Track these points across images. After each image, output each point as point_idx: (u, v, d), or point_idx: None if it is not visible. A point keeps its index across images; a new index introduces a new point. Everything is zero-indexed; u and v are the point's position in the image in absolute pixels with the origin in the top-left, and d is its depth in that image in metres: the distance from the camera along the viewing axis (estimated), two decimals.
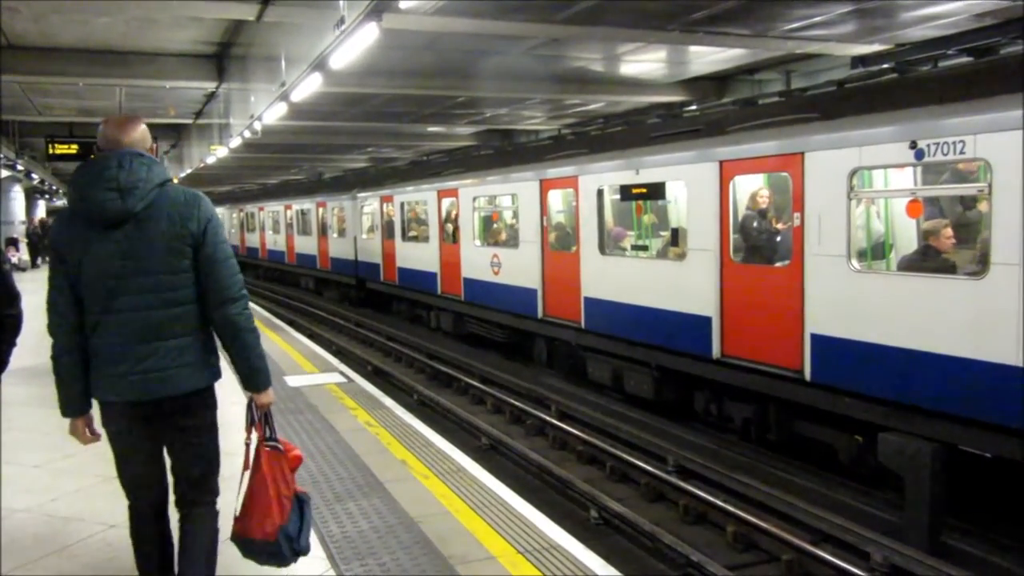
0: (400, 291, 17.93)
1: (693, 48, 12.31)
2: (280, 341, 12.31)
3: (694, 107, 13.31)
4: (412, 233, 17.25)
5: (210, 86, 14.26)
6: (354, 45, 7.58)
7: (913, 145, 6.08)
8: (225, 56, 13.32)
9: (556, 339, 11.67)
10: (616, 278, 9.93)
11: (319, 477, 5.65)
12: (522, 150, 15.34)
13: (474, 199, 13.82)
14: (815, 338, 7.00)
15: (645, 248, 10.56)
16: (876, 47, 10.93)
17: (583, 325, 10.53)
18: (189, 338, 3.19)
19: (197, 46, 12.84)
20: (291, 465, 3.46)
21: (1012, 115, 5.43)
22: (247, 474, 3.40)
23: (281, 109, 11.82)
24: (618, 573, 4.21)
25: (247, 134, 15.16)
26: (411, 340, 15.61)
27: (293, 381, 9.05)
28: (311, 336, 15.94)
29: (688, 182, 8.69)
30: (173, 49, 12.90)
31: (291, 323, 17.19)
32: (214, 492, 3.43)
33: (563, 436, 9.08)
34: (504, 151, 16.24)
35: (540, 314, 11.67)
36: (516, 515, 4.93)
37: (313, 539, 4.47)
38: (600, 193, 10.20)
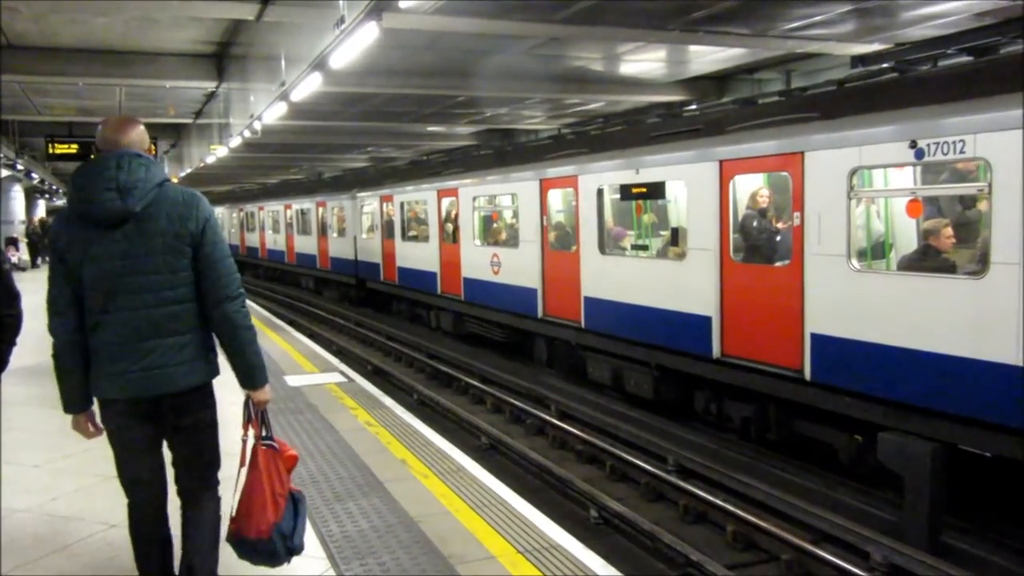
0: (400, 291, 17.92)
1: (693, 47, 12.31)
2: (280, 341, 12.31)
3: (694, 106, 13.30)
4: (412, 233, 17.24)
5: (210, 86, 14.27)
6: (354, 45, 7.58)
7: (913, 144, 6.08)
8: (225, 56, 13.32)
9: (556, 339, 11.67)
10: (616, 278, 9.93)
11: (319, 477, 5.65)
12: (522, 150, 15.34)
13: (474, 199, 13.82)
14: (815, 338, 7.00)
15: (645, 248, 10.55)
16: (876, 46, 10.93)
17: (583, 325, 10.53)
18: (188, 335, 3.24)
19: (197, 46, 12.85)
20: (287, 464, 3.49)
21: (1012, 114, 5.43)
22: (243, 471, 3.43)
23: (281, 109, 11.83)
24: (618, 573, 4.21)
25: (247, 134, 15.16)
26: (411, 340, 15.62)
27: (293, 381, 9.05)
28: (311, 336, 15.95)
29: (688, 182, 8.69)
30: (173, 49, 12.91)
31: (291, 323, 17.20)
32: (215, 482, 3.49)
33: (563, 436, 9.09)
34: (504, 151, 16.23)
35: (540, 314, 11.67)
36: (516, 515, 4.94)
37: (313, 539, 4.52)
38: (600, 193, 10.20)
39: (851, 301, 6.66)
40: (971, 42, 6.93)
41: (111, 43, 12.29)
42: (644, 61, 13.25)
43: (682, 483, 7.22)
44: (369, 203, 19.70)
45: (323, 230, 23.45)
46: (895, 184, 7.22)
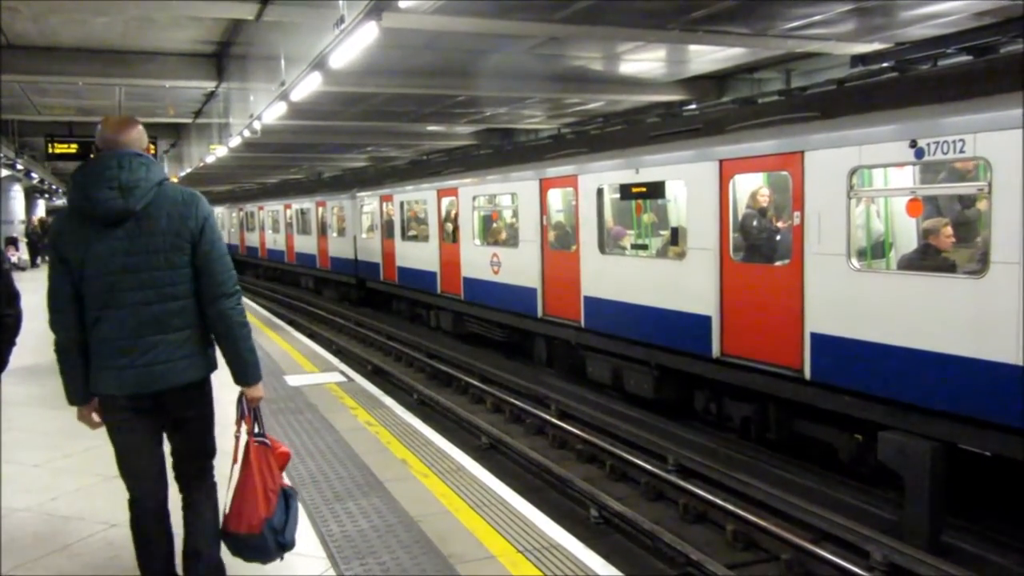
0: (400, 290, 17.92)
1: (693, 47, 12.31)
2: (280, 340, 12.31)
3: (694, 106, 13.30)
4: (412, 232, 17.24)
5: (209, 85, 14.27)
6: (354, 44, 7.58)
7: (913, 144, 6.07)
8: (224, 55, 13.32)
9: (556, 338, 11.67)
10: (616, 277, 9.93)
11: (319, 476, 5.65)
12: (522, 149, 15.33)
13: (474, 198, 13.82)
14: (815, 337, 7.00)
15: (645, 247, 10.56)
16: (876, 46, 10.94)
17: (583, 324, 10.53)
18: (188, 332, 3.31)
19: (196, 45, 12.85)
20: (279, 461, 3.54)
21: (1012, 114, 5.43)
22: (236, 467, 3.48)
23: (280, 108, 11.82)
24: (618, 572, 4.22)
25: (246, 133, 15.15)
26: (411, 339, 15.61)
27: (293, 380, 9.05)
28: (311, 335, 15.95)
29: (688, 181, 8.69)
30: (172, 48, 12.91)
31: (291, 323, 17.19)
32: (212, 469, 3.59)
33: (563, 435, 9.09)
34: (504, 150, 16.23)
35: (540, 313, 11.67)
36: (516, 514, 4.93)
37: (313, 538, 4.52)
38: (600, 192, 10.19)
39: (851, 300, 6.66)
40: (971, 41, 6.93)
41: (111, 43, 12.29)
42: (644, 61, 13.25)
43: (682, 482, 7.23)
44: (369, 203, 19.70)
45: (323, 230, 23.45)
46: (895, 183, 7.22)
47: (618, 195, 9.91)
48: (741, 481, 7.16)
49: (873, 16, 10.18)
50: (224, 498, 3.55)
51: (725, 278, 8.11)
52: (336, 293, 23.24)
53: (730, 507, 6.58)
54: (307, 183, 32.17)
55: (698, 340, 8.36)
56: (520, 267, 12.14)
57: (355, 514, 4.92)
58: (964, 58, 7.01)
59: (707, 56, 12.96)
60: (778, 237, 8.00)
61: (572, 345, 11.07)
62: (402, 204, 17.46)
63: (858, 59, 8.50)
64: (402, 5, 7.12)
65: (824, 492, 7.14)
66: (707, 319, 8.24)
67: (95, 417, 3.38)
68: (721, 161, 8.10)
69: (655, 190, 9.32)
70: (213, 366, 3.47)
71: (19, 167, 24.52)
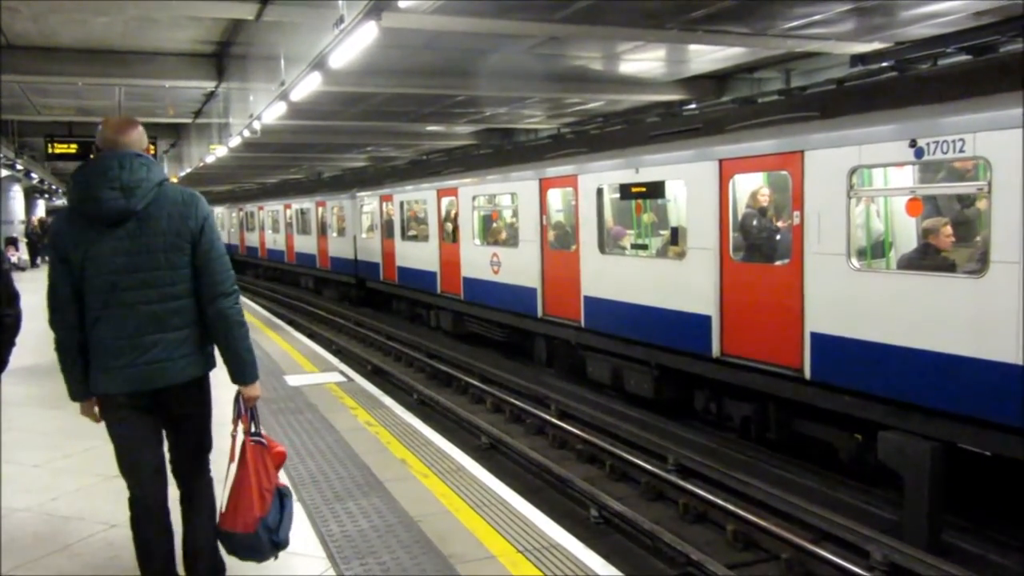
0: (400, 290, 17.92)
1: (692, 47, 12.30)
2: (280, 340, 12.31)
3: (693, 106, 13.30)
4: (412, 232, 17.25)
5: (209, 85, 14.26)
6: (353, 44, 7.58)
7: (913, 143, 6.08)
8: (224, 55, 13.31)
9: (556, 338, 11.67)
10: (616, 277, 9.93)
11: (319, 476, 5.65)
12: (521, 149, 15.33)
13: (473, 198, 13.82)
14: (815, 337, 7.00)
15: (645, 247, 10.56)
16: (875, 45, 10.93)
17: (583, 324, 10.53)
18: (187, 330, 3.36)
19: (196, 45, 12.84)
20: (275, 461, 3.56)
21: (1011, 113, 5.43)
22: (232, 466, 3.51)
23: (280, 108, 11.82)
24: (618, 572, 4.21)
25: (246, 133, 15.15)
26: (411, 339, 15.61)
27: (293, 380, 9.05)
28: (311, 335, 15.95)
29: (687, 181, 8.69)
30: (172, 48, 12.90)
31: (291, 322, 17.19)
32: (209, 466, 3.66)
33: (563, 435, 9.09)
34: (503, 150, 16.23)
35: (540, 313, 11.67)
36: (516, 514, 4.93)
37: (313, 538, 4.52)
38: (600, 192, 10.20)
39: (851, 300, 6.66)
40: (970, 41, 6.93)
41: (110, 43, 12.28)
42: (643, 60, 13.24)
43: (682, 482, 7.23)
44: (369, 203, 19.70)
45: (323, 230, 23.45)
46: (895, 183, 7.22)
47: (618, 195, 9.91)
48: (741, 481, 7.16)
49: (873, 16, 10.18)
50: (220, 497, 3.58)
51: (725, 278, 8.11)
52: (336, 293, 23.24)
53: (730, 507, 6.58)
54: (307, 183, 32.18)
55: (698, 340, 8.36)
56: (520, 267, 12.14)
57: (355, 514, 4.92)
58: (964, 57, 7.01)
59: (707, 56, 12.96)
60: (778, 237, 8.00)
61: (572, 345, 11.07)
62: (402, 204, 17.46)
63: (858, 59, 8.51)
64: (402, 5, 7.11)
65: (824, 492, 7.15)
66: (707, 319, 8.24)
67: (97, 411, 3.42)
68: (721, 161, 8.10)
69: (655, 190, 9.32)
70: (212, 364, 3.52)
71: (19, 167, 24.52)
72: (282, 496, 3.58)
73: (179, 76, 13.51)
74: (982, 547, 6.06)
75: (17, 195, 33.54)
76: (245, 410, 3.51)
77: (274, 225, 29.24)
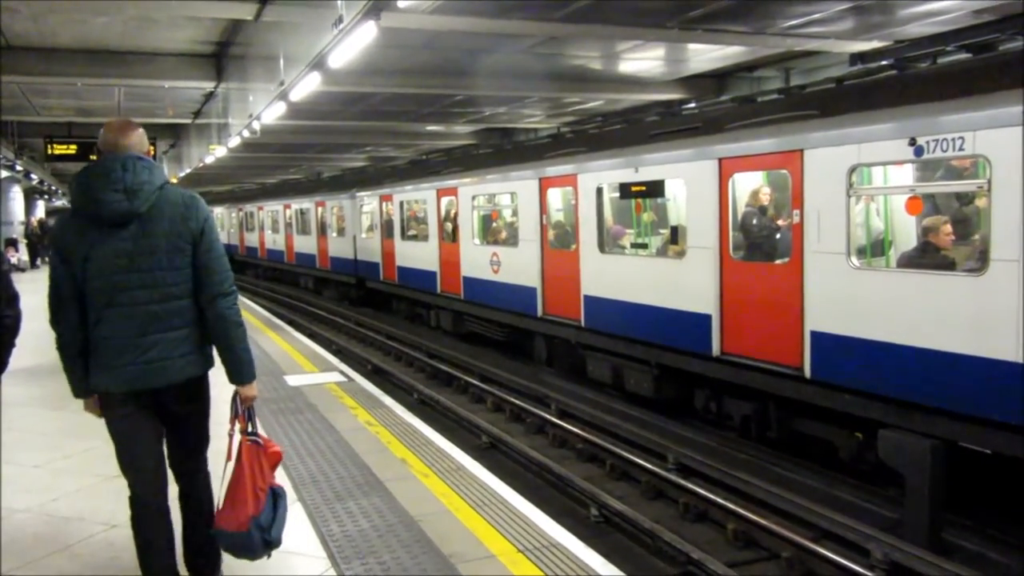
0: (400, 290, 17.92)
1: (692, 46, 12.30)
2: (280, 340, 12.31)
3: (693, 105, 13.30)
4: (411, 232, 17.25)
5: (208, 86, 14.26)
6: (352, 44, 7.58)
7: (912, 142, 6.07)
8: (223, 56, 13.31)
9: (556, 337, 11.67)
10: (616, 276, 9.93)
11: (319, 476, 5.65)
12: (521, 148, 15.34)
13: (473, 198, 13.82)
14: (815, 335, 7.00)
15: (644, 246, 10.56)
16: (875, 44, 10.91)
17: (583, 323, 10.53)
18: (186, 330, 3.42)
19: (195, 46, 12.84)
20: (270, 461, 3.60)
21: (1011, 111, 5.43)
22: (229, 465, 3.56)
23: (280, 108, 11.82)
24: (618, 571, 4.22)
25: (246, 134, 15.15)
26: (411, 339, 15.61)
27: (293, 380, 9.04)
28: (311, 335, 15.95)
29: (687, 180, 8.69)
30: (171, 49, 12.90)
31: (291, 322, 17.19)
32: (206, 462, 3.74)
33: (563, 434, 9.09)
34: (503, 150, 16.23)
35: (540, 312, 11.67)
36: (516, 513, 4.93)
37: (313, 538, 4.53)
38: (599, 191, 10.19)
39: (851, 299, 6.66)
40: (970, 39, 6.93)
41: (110, 43, 12.28)
42: (643, 59, 13.24)
43: (682, 481, 7.23)
44: (368, 202, 19.70)
45: (322, 230, 23.45)
46: (894, 181, 7.22)
47: (617, 194, 9.91)
48: (741, 480, 7.16)
49: (872, 14, 10.18)
50: (217, 495, 3.62)
51: (725, 277, 8.11)
52: (336, 293, 23.24)
53: (730, 506, 6.58)
54: (306, 183, 32.18)
55: (698, 339, 8.36)
56: (520, 266, 12.14)
57: (355, 514, 4.92)
58: (963, 56, 7.01)
59: (706, 55, 12.95)
60: (777, 235, 8.00)
61: (572, 344, 11.07)
62: (402, 204, 17.46)
63: (857, 57, 8.48)
64: (401, 5, 7.11)
65: (824, 490, 7.15)
66: (707, 318, 8.24)
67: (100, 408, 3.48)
68: (720, 160, 8.09)
69: (654, 189, 9.32)
70: (210, 363, 3.58)
71: (18, 168, 24.52)
72: (276, 496, 3.61)
73: (178, 76, 13.52)
74: (982, 545, 6.06)
75: (17, 196, 33.54)
76: (242, 410, 3.56)
77: (274, 225, 29.24)
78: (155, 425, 3.49)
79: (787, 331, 7.27)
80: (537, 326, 11.98)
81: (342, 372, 9.64)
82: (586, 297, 10.45)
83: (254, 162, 29.63)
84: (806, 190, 7.05)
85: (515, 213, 12.50)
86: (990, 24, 8.51)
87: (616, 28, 10.65)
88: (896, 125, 6.24)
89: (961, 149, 5.76)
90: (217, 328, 3.44)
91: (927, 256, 6.48)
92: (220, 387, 3.68)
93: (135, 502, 3.49)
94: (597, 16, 9.80)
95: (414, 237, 16.95)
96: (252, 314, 15.77)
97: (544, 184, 11.52)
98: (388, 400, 8.14)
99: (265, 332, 13.19)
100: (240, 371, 3.51)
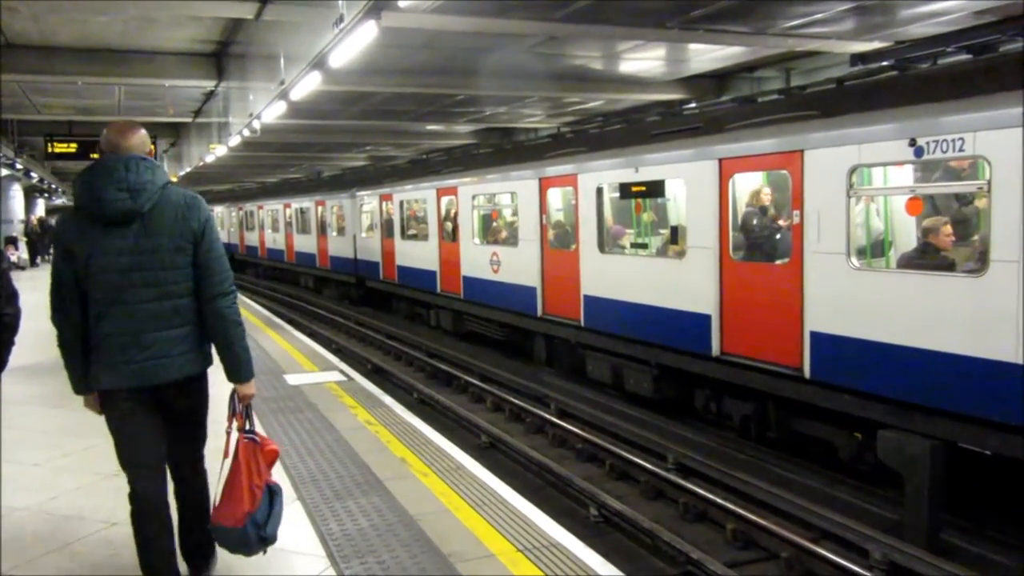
0: (399, 289, 17.92)
1: (692, 46, 12.30)
2: (280, 339, 12.31)
3: (693, 105, 13.30)
4: (411, 231, 17.25)
5: (209, 85, 14.27)
6: (353, 43, 7.58)
7: (912, 142, 6.07)
8: (224, 55, 13.31)
9: (556, 337, 11.67)
10: (615, 276, 9.93)
11: (318, 475, 5.65)
12: (521, 148, 15.33)
13: (473, 197, 13.82)
14: (814, 336, 7.00)
15: (644, 246, 10.56)
16: (875, 44, 10.93)
17: (583, 323, 10.53)
18: (187, 328, 3.47)
19: (196, 45, 12.84)
20: (267, 458, 3.65)
21: (1012, 112, 5.43)
22: (226, 462, 3.60)
23: (280, 108, 11.82)
24: (618, 571, 4.22)
25: (246, 133, 15.16)
26: (411, 338, 15.61)
27: (293, 379, 9.04)
28: (311, 335, 15.94)
29: (687, 180, 8.69)
30: (172, 48, 12.90)
31: (291, 322, 17.18)
32: (203, 458, 3.81)
33: (563, 434, 9.09)
34: (503, 149, 16.23)
35: (539, 312, 11.67)
36: (516, 513, 4.93)
37: (313, 537, 4.53)
38: (599, 191, 10.20)
39: (850, 299, 6.66)
40: (970, 40, 6.92)
41: (110, 42, 12.28)
42: (643, 59, 13.25)
43: (682, 481, 7.23)
44: (368, 202, 19.70)
45: (322, 229, 23.45)
46: (894, 182, 7.22)
47: (618, 194, 9.91)
48: (741, 480, 7.17)
49: (873, 15, 10.18)
50: (214, 491, 3.66)
51: (725, 277, 8.11)
52: (336, 292, 23.24)
53: (730, 506, 6.58)
54: (307, 182, 32.17)
55: (698, 339, 8.36)
56: (520, 266, 12.15)
57: (355, 513, 4.92)
58: (964, 57, 7.01)
59: (706, 55, 12.96)
60: (777, 236, 8.00)
61: (572, 344, 11.07)
62: (402, 203, 17.46)
63: (857, 58, 8.48)
64: (401, 4, 7.11)
65: (824, 491, 7.15)
66: (707, 318, 8.24)
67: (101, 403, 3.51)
68: (720, 160, 8.09)
69: (655, 189, 9.32)
70: (209, 361, 3.64)
71: (19, 166, 24.51)
72: (272, 493, 3.66)
73: (179, 75, 13.52)
74: (982, 546, 6.06)
75: (17, 194, 33.55)
76: (240, 408, 3.61)
77: (274, 224, 29.24)
78: (155, 422, 3.52)
79: (787, 331, 7.27)
80: (537, 326, 11.98)
81: (342, 371, 9.64)
82: (586, 297, 10.45)
83: (254, 161, 29.64)
84: (806, 190, 7.05)
85: (515, 213, 12.50)
86: (991, 25, 8.52)
87: (616, 28, 10.65)
88: (896, 126, 6.24)
89: (961, 150, 5.76)
90: (216, 327, 3.49)
91: (927, 257, 6.49)
92: (218, 385, 3.69)
93: (135, 498, 3.51)
94: (598, 16, 9.81)
95: (414, 236, 16.95)
96: (252, 313, 15.77)
97: (544, 184, 11.52)
98: (388, 399, 8.14)
99: (265, 331, 13.19)
100: (238, 369, 3.56)
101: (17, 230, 31.48)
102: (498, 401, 10.74)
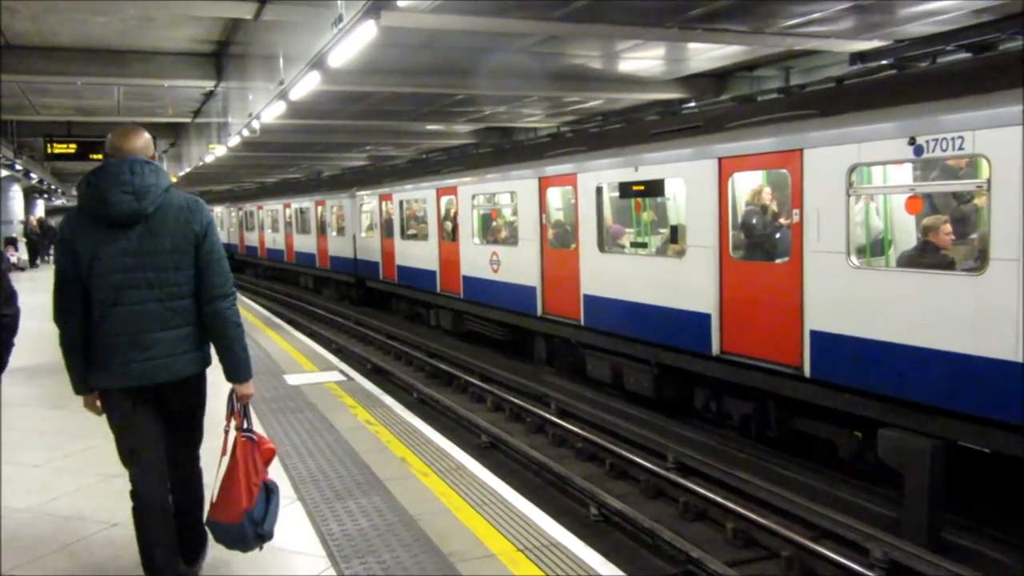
0: (399, 289, 17.92)
1: (691, 45, 12.30)
2: (280, 340, 12.31)
3: (693, 104, 13.30)
4: (411, 231, 17.25)
5: (208, 85, 14.25)
6: (352, 43, 7.58)
7: (912, 141, 6.07)
8: (223, 55, 13.31)
9: (555, 336, 11.67)
10: (615, 275, 9.93)
11: (319, 475, 5.65)
12: (521, 148, 15.33)
13: (473, 197, 13.82)
14: (814, 334, 7.00)
15: (644, 245, 10.56)
16: (875, 43, 10.92)
17: (582, 322, 10.53)
18: (188, 329, 3.53)
19: (195, 45, 12.83)
20: (264, 456, 3.71)
21: (1011, 111, 5.42)
22: (224, 460, 3.65)
23: (279, 108, 11.82)
24: (618, 570, 4.22)
25: (246, 133, 15.16)
26: (410, 338, 15.61)
27: (293, 379, 9.04)
28: (311, 335, 15.94)
29: (687, 179, 8.69)
30: (171, 48, 12.89)
31: (290, 322, 17.18)
32: (199, 457, 3.88)
33: (563, 433, 9.09)
34: (503, 149, 16.23)
35: (539, 312, 11.67)
36: (516, 513, 4.94)
37: (313, 537, 4.53)
38: (599, 190, 10.19)
39: (850, 298, 6.66)
40: (970, 39, 6.92)
41: (109, 42, 12.27)
42: (643, 59, 13.24)
43: (682, 480, 7.23)
44: (368, 202, 19.70)
45: (322, 229, 23.45)
46: (894, 181, 7.22)
47: (617, 193, 9.91)
48: (741, 479, 7.17)
49: (872, 14, 10.18)
50: (212, 488, 3.69)
51: (724, 276, 8.11)
52: (336, 292, 23.24)
53: (730, 505, 6.58)
54: (306, 182, 32.17)
55: (698, 338, 8.36)
56: (519, 266, 12.14)
57: (355, 513, 4.92)
58: (963, 55, 7.00)
59: (706, 54, 12.95)
60: (777, 235, 8.00)
61: (572, 343, 11.07)
62: (401, 203, 17.46)
63: (857, 57, 8.50)
64: (400, 4, 7.11)
65: (824, 490, 7.15)
66: (707, 317, 8.24)
67: (99, 404, 3.55)
68: (720, 159, 8.09)
69: (654, 188, 9.32)
70: (208, 362, 3.69)
71: (18, 167, 24.50)
72: (269, 491, 3.72)
73: (178, 75, 13.51)
74: (982, 545, 6.06)
75: (16, 195, 33.52)
76: (238, 407, 3.66)
77: (273, 224, 29.24)
78: (156, 421, 3.57)
79: (786, 330, 7.27)
80: (537, 325, 11.98)
81: (342, 371, 9.64)
82: (586, 296, 10.45)
83: (254, 161, 29.63)
84: (806, 189, 7.05)
85: (515, 212, 12.50)
86: (990, 23, 8.52)
87: (616, 27, 10.65)
88: (896, 124, 6.24)
89: (961, 148, 5.76)
90: (216, 327, 3.55)
91: (927, 255, 6.49)
92: (217, 385, 3.69)
93: (137, 496, 3.54)
94: (596, 15, 9.80)
95: (414, 236, 16.95)
96: (252, 313, 15.77)
97: (544, 183, 11.52)
98: (388, 399, 8.14)
99: (265, 331, 13.19)
100: (237, 369, 3.61)
101: (17, 231, 31.46)
102: (498, 401, 10.74)
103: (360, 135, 22.68)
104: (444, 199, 15.14)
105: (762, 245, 8.08)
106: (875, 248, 7.53)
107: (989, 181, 5.60)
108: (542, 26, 10.35)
